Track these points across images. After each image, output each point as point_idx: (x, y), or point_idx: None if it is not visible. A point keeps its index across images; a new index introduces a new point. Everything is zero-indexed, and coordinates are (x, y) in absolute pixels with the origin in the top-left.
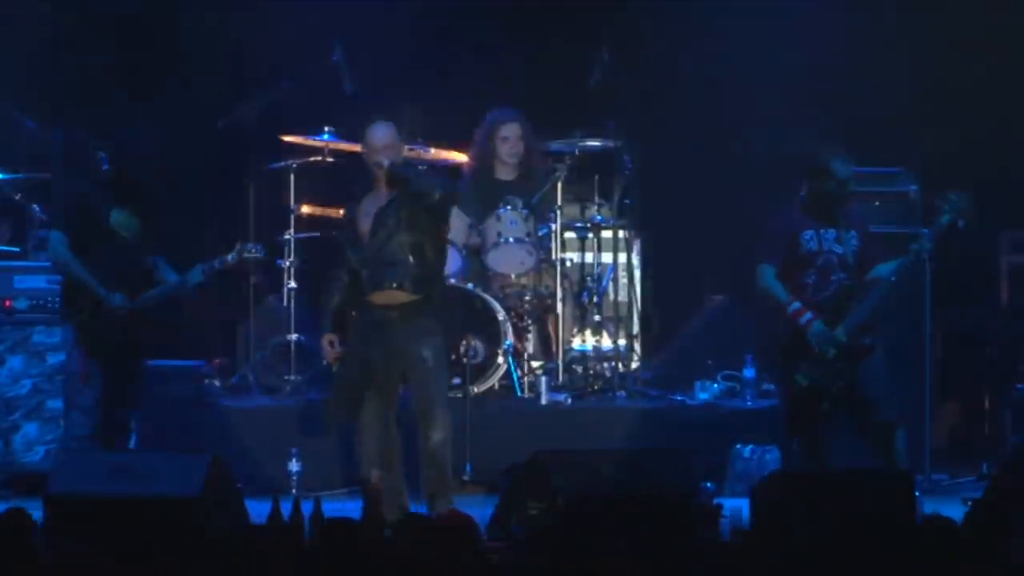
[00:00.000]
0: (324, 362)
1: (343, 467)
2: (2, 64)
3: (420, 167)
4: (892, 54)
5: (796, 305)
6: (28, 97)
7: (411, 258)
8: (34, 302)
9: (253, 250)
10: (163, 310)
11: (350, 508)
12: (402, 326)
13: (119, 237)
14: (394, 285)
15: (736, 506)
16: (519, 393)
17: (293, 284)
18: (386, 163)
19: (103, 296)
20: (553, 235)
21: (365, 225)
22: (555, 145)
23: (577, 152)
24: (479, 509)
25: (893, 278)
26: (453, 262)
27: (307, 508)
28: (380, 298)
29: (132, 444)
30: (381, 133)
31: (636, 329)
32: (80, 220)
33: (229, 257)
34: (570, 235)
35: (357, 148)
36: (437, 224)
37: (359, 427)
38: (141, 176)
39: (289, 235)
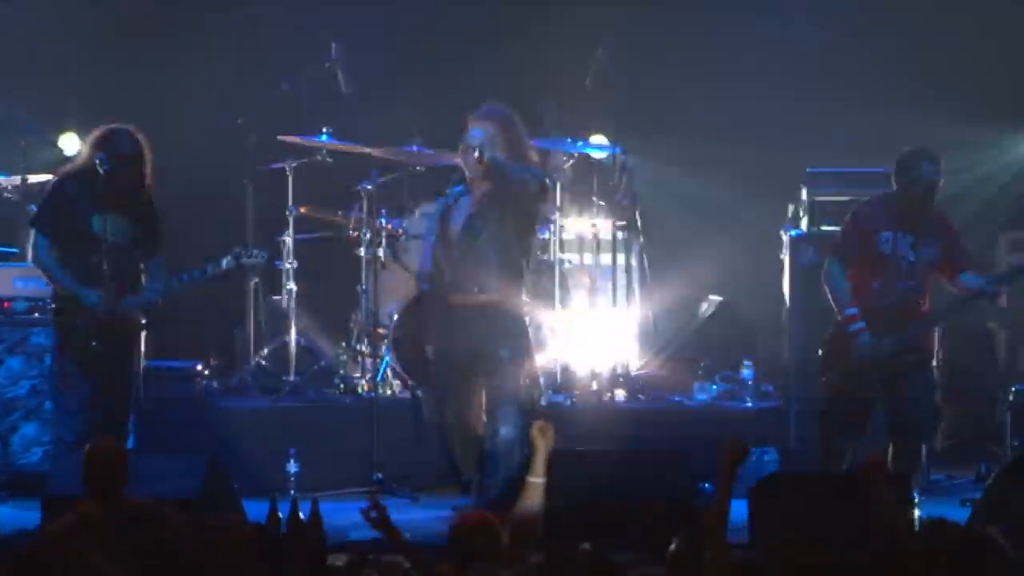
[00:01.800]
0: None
1: (340, 468)
2: (2, 63)
3: (517, 160)
4: (892, 53)
5: (853, 311)
6: (26, 97)
7: (496, 260)
8: (33, 303)
9: (255, 255)
10: (163, 312)
11: (349, 508)
12: (484, 325)
13: (105, 241)
14: (475, 289)
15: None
16: None
17: (292, 285)
18: (487, 155)
19: (79, 295)
20: (552, 236)
21: (456, 226)
22: (554, 146)
23: (577, 153)
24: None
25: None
26: None
27: (305, 509)
28: (459, 299)
29: (130, 445)
30: (478, 132)
31: (635, 330)
32: (61, 223)
33: (223, 262)
34: (569, 236)
35: (355, 149)
36: (526, 223)
37: (448, 430)
38: (131, 179)
39: (288, 236)
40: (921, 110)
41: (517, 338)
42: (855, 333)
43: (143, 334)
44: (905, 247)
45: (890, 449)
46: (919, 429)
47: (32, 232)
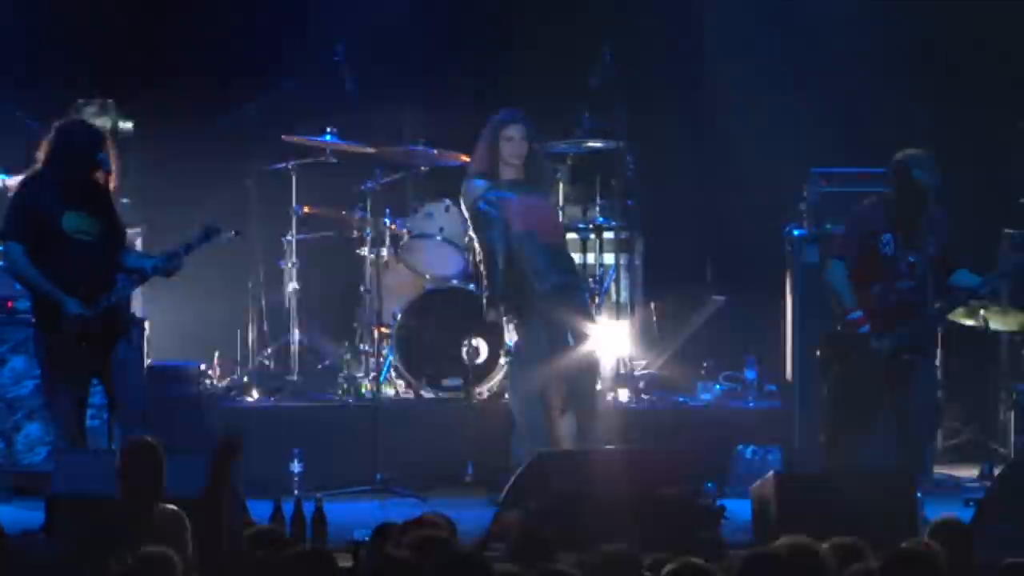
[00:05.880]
0: None
1: (344, 468)
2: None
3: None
4: (891, 53)
5: (858, 314)
6: (24, 95)
7: None
8: None
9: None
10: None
11: (350, 508)
12: None
13: (76, 241)
14: None
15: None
16: None
17: (295, 284)
18: None
19: (61, 303)
20: None
21: None
22: (557, 146)
23: (579, 153)
24: (481, 510)
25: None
26: (454, 263)
27: (308, 509)
28: None
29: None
30: None
31: (638, 330)
32: (32, 226)
33: (192, 237)
34: (572, 236)
35: (359, 148)
36: None
37: None
38: (88, 174)
39: (291, 235)
40: (923, 108)
41: None
42: (862, 337)
43: (131, 326)
44: (905, 248)
45: (896, 448)
46: (922, 424)
47: (8, 244)
